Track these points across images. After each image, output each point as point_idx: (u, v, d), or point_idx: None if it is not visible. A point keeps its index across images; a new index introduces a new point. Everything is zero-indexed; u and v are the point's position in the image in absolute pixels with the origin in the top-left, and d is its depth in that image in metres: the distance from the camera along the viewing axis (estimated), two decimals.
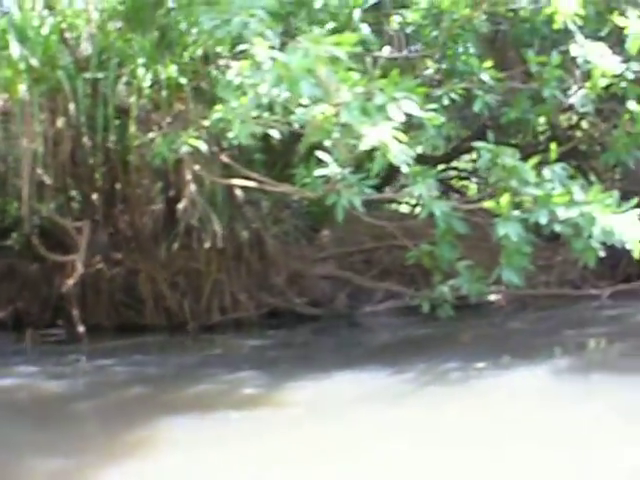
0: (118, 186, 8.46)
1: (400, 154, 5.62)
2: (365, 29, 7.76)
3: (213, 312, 8.57)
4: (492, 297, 9.10)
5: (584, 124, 9.52)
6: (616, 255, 9.59)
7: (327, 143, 5.54)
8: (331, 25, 7.75)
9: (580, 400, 5.66)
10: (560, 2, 6.68)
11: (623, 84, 7.10)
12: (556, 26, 6.78)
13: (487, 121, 9.13)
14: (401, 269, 8.55)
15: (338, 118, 5.22)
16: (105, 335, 8.53)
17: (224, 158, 7.42)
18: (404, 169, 5.72)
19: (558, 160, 6.90)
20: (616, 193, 6.49)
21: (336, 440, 5.07)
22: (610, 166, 9.12)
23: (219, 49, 6.54)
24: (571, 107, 7.81)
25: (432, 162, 10.38)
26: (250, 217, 8.52)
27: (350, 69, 5.62)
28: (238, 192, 8.20)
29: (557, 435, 4.93)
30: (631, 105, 7.09)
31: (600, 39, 7.47)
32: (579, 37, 6.98)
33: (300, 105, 5.67)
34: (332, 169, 6.16)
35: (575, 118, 9.59)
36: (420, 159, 10.13)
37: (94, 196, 8.55)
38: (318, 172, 6.27)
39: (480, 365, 6.57)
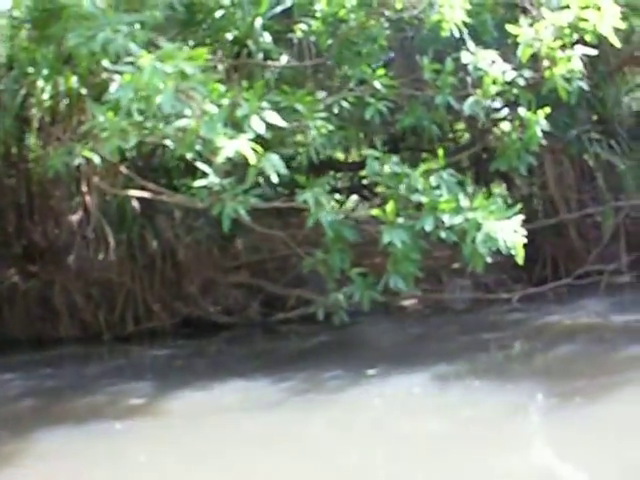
0: (30, 198, 8.48)
1: (267, 164, 5.69)
2: (267, 38, 7.81)
3: (127, 322, 8.59)
4: (407, 302, 9.20)
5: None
6: (532, 258, 9.70)
7: (189, 156, 5.56)
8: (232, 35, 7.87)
9: (455, 406, 5.73)
10: (447, 11, 6.72)
11: (515, 91, 7.14)
12: (444, 34, 6.83)
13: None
14: (314, 276, 8.55)
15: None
16: (21, 348, 8.51)
17: (123, 169, 7.41)
18: (274, 179, 5.77)
19: (476, 166, 6.93)
20: (500, 200, 6.54)
21: (203, 449, 5.13)
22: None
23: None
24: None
25: (347, 168, 10.48)
26: (163, 227, 8.55)
27: (219, 81, 5.66)
28: (148, 202, 8.20)
29: (417, 445, 5.00)
30: (521, 111, 7.13)
31: (506, 47, 7.52)
32: (470, 44, 7.02)
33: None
34: (211, 179, 6.18)
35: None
36: (335, 164, 10.28)
37: (6, 208, 8.56)
38: (197, 183, 6.29)
39: (370, 372, 6.61)
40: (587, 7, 6.93)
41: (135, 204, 8.06)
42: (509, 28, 7.11)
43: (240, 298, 8.91)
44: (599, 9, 6.91)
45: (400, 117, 7.53)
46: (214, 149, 5.20)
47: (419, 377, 6.37)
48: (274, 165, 5.82)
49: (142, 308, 8.57)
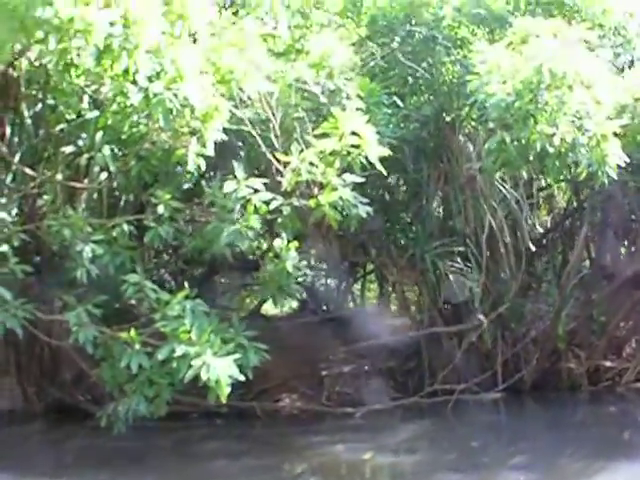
0: None
1: None
2: None
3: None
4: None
5: None
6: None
7: None
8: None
9: None
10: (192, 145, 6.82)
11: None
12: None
13: None
14: None
15: None
16: None
17: None
18: None
19: None
20: (218, 337, 6.58)
21: None
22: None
23: None
24: None
25: None
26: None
27: None
28: None
29: None
30: (277, 242, 7.04)
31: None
32: (240, 172, 7.06)
33: None
34: None
35: None
36: None
37: None
38: None
39: None
40: (349, 135, 6.82)
41: None
42: (279, 156, 7.11)
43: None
44: (358, 136, 6.79)
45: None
46: None
47: None
48: None
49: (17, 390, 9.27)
